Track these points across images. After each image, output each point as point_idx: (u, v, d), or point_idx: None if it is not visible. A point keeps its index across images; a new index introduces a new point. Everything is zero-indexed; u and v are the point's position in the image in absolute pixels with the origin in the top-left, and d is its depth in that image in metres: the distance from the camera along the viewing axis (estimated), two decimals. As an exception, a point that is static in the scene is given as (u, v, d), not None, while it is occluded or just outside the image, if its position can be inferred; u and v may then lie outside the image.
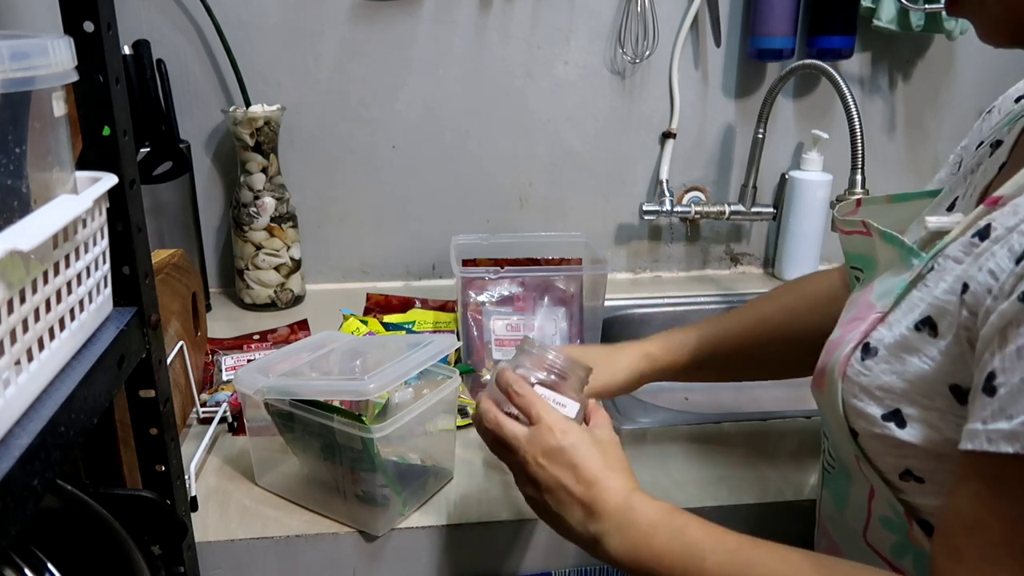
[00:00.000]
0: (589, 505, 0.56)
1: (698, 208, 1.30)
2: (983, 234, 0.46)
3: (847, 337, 0.54)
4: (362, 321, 1.11)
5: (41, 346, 0.45)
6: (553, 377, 0.63)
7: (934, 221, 0.51)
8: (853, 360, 0.52)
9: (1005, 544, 0.41)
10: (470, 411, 0.92)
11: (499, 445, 0.61)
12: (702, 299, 1.30)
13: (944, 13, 1.19)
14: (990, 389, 0.40)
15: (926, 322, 0.47)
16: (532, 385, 0.62)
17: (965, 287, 0.44)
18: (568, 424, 0.59)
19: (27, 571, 0.48)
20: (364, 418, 0.70)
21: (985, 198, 0.50)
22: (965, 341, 0.45)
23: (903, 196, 0.64)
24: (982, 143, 0.61)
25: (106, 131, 0.53)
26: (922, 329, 0.47)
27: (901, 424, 0.49)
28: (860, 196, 0.64)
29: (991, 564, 0.41)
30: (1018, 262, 0.41)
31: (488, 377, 0.97)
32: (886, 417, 0.49)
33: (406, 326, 1.11)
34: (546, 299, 1.02)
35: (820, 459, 0.65)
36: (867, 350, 0.51)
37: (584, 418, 0.63)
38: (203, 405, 0.91)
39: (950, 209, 0.58)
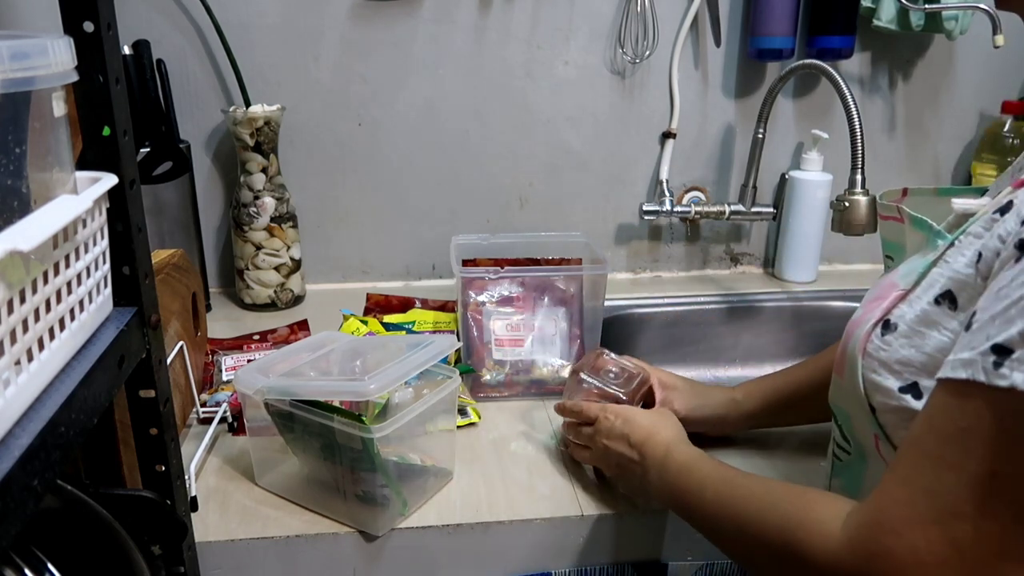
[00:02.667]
0: (639, 463, 0.72)
1: (698, 208, 1.30)
2: (1004, 210, 0.47)
3: (867, 316, 0.56)
4: (362, 321, 1.11)
5: (41, 346, 0.45)
6: (608, 380, 0.84)
7: (960, 203, 0.54)
8: (874, 336, 0.54)
9: (935, 456, 0.44)
10: (470, 411, 0.92)
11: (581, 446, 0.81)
12: (702, 299, 1.30)
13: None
14: (969, 325, 0.44)
15: (946, 295, 0.49)
16: (592, 388, 0.83)
17: (980, 256, 0.47)
18: (615, 407, 0.77)
19: (27, 571, 0.48)
20: (364, 418, 0.70)
21: None
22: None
23: (949, 190, 0.65)
24: None
25: (106, 131, 0.53)
26: (941, 303, 0.49)
27: (918, 396, 0.51)
28: (906, 187, 0.67)
29: (918, 472, 0.45)
30: (1022, 223, 0.43)
31: (488, 378, 0.98)
32: (903, 390, 0.51)
33: (406, 326, 1.11)
34: (546, 299, 1.02)
35: (828, 451, 0.67)
36: (887, 326, 0.53)
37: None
38: (203, 405, 0.91)
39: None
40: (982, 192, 0.63)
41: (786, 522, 0.52)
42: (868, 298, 0.60)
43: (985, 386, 0.41)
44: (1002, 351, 0.41)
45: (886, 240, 0.67)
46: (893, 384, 0.52)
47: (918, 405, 0.50)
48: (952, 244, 0.52)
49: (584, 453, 0.81)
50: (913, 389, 0.51)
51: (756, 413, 0.85)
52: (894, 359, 0.52)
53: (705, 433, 0.85)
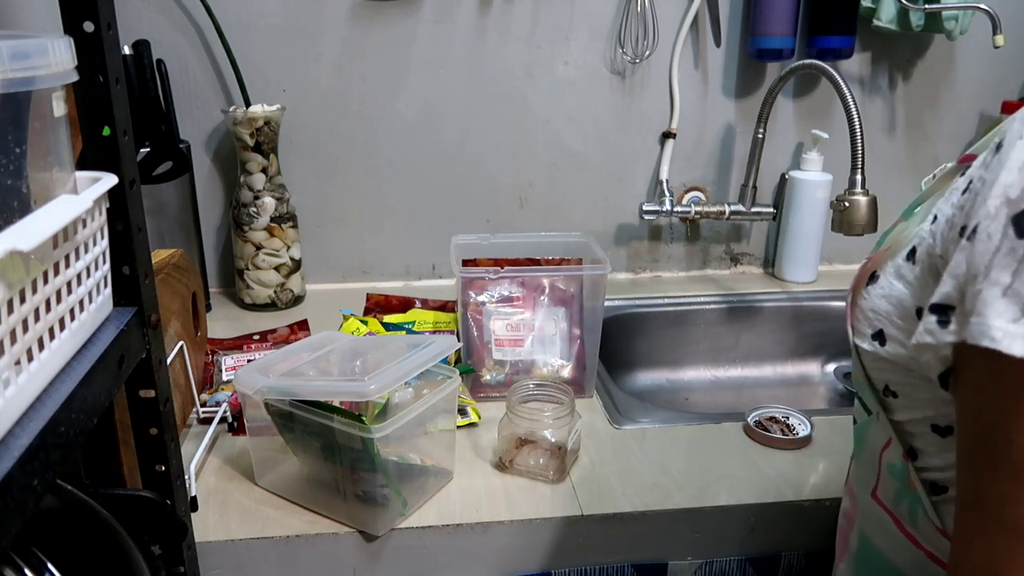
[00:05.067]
0: None
1: (698, 208, 1.30)
2: (962, 173, 0.49)
3: (856, 278, 0.60)
4: (362, 321, 1.11)
5: (41, 346, 0.45)
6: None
7: (928, 179, 0.57)
8: (862, 290, 0.57)
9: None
10: (470, 411, 0.92)
11: None
12: (702, 299, 1.30)
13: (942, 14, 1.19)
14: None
15: (911, 252, 0.52)
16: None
17: (935, 218, 0.49)
18: None
19: (27, 571, 0.48)
20: (364, 418, 0.70)
21: None
22: (927, 266, 0.49)
23: None
24: None
25: (106, 131, 0.53)
26: (910, 259, 0.52)
27: (883, 342, 0.53)
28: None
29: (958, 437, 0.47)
30: (963, 193, 0.46)
31: (488, 378, 0.98)
32: (874, 336, 0.54)
33: (406, 326, 1.11)
34: (546, 299, 1.02)
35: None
36: (873, 278, 0.56)
37: None
38: (203, 405, 0.91)
39: None
40: None
41: None
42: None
43: (934, 348, 0.44)
44: (941, 309, 0.44)
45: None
46: (867, 331, 0.55)
47: (883, 351, 0.53)
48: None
49: None
50: (880, 336, 0.53)
51: None
52: (869, 307, 0.55)
53: None
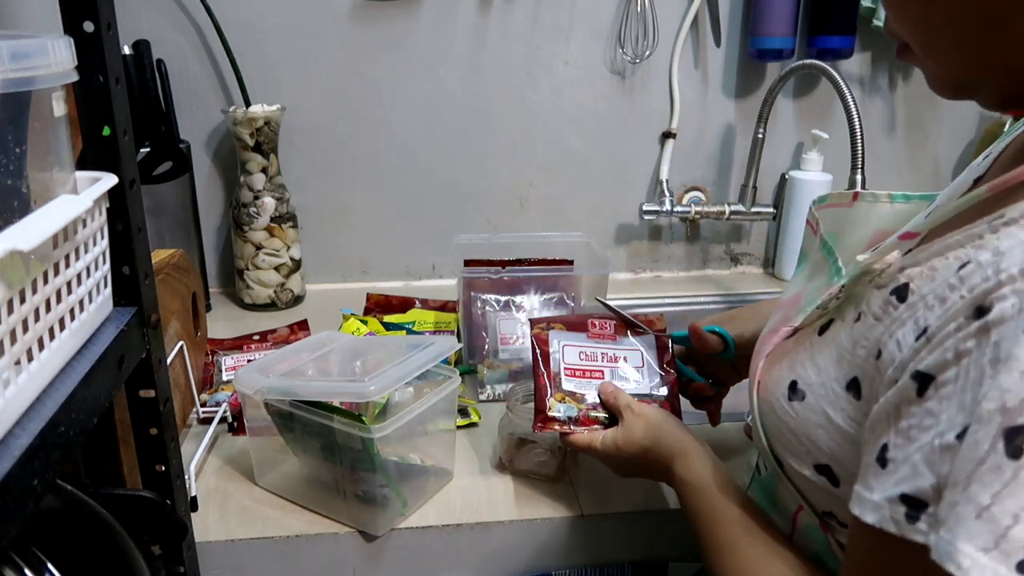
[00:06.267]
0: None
1: (698, 208, 1.30)
2: (901, 294, 0.45)
3: (762, 349, 0.57)
4: (362, 321, 1.11)
5: (41, 346, 0.45)
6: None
7: (863, 258, 0.52)
8: (780, 396, 0.53)
9: None
10: (470, 411, 0.92)
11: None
12: (702, 299, 1.30)
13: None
14: (883, 461, 0.41)
15: (853, 383, 0.48)
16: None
17: (879, 353, 0.45)
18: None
19: (27, 571, 0.48)
20: (364, 418, 0.70)
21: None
22: (882, 411, 0.44)
23: (903, 196, 0.63)
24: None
25: (106, 131, 0.53)
26: (850, 390, 0.48)
27: (835, 482, 0.49)
28: (857, 191, 0.64)
29: None
30: (918, 338, 0.41)
31: (488, 377, 0.97)
32: (819, 470, 0.50)
33: (406, 326, 1.11)
34: (546, 299, 1.02)
35: (748, 459, 0.67)
36: (794, 390, 0.52)
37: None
38: (203, 405, 0.91)
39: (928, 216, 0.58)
40: (932, 199, 0.61)
41: None
42: (771, 321, 0.61)
43: (897, 538, 0.39)
44: (912, 502, 0.38)
45: (801, 250, 0.66)
46: (807, 460, 0.51)
47: (836, 491, 0.49)
48: (859, 311, 0.49)
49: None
50: (828, 472, 0.49)
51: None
52: (804, 433, 0.51)
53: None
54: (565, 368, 0.78)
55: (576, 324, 0.83)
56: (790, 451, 0.52)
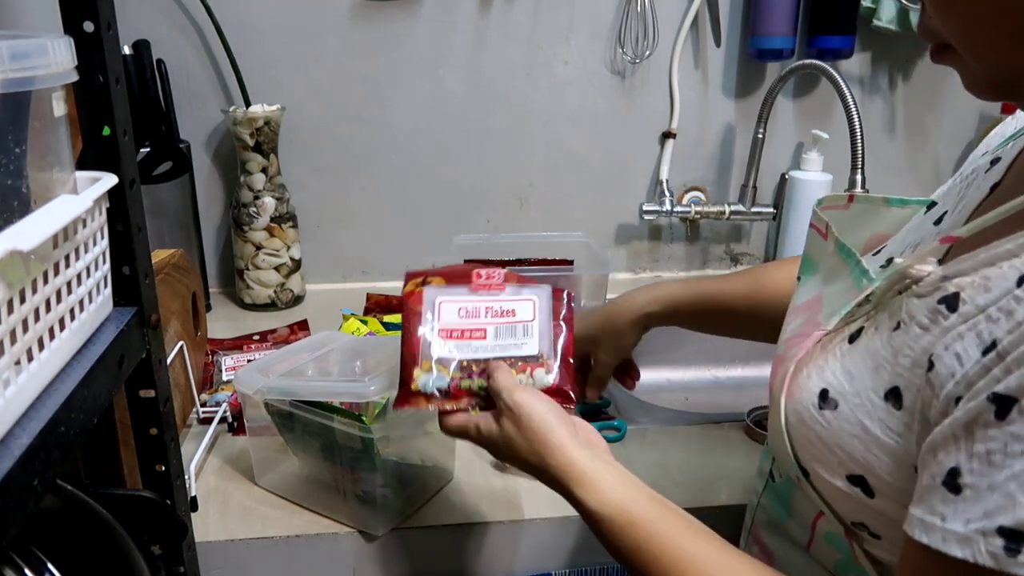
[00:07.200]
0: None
1: (698, 208, 1.30)
2: (951, 304, 0.43)
3: (790, 353, 0.53)
4: (362, 321, 1.11)
5: (41, 346, 0.45)
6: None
7: (918, 267, 0.47)
8: (810, 405, 0.50)
9: None
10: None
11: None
12: (702, 299, 1.30)
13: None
14: (954, 487, 0.39)
15: (893, 392, 0.46)
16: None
17: (931, 364, 0.43)
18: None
19: (27, 571, 0.48)
20: (364, 418, 0.70)
21: (971, 217, 0.49)
22: (923, 418, 0.43)
23: (899, 200, 0.62)
24: (986, 153, 0.60)
25: (106, 131, 0.53)
26: (889, 399, 0.46)
27: (869, 493, 0.47)
28: (853, 192, 0.62)
29: None
30: (985, 353, 0.39)
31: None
32: (852, 480, 0.48)
33: (406, 326, 1.11)
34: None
35: (759, 466, 0.64)
36: (826, 399, 0.50)
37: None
38: (203, 405, 0.91)
39: (938, 223, 0.56)
40: (931, 204, 0.59)
41: None
42: (789, 329, 0.57)
43: (996, 572, 0.36)
44: (1013, 535, 0.36)
45: (807, 256, 0.62)
46: (839, 470, 0.49)
47: (872, 502, 0.47)
48: (897, 320, 0.47)
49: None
50: (862, 483, 0.47)
51: (680, 309, 0.84)
52: (835, 443, 0.48)
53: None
54: (440, 330, 0.65)
55: (458, 275, 0.70)
56: (819, 461, 0.50)
